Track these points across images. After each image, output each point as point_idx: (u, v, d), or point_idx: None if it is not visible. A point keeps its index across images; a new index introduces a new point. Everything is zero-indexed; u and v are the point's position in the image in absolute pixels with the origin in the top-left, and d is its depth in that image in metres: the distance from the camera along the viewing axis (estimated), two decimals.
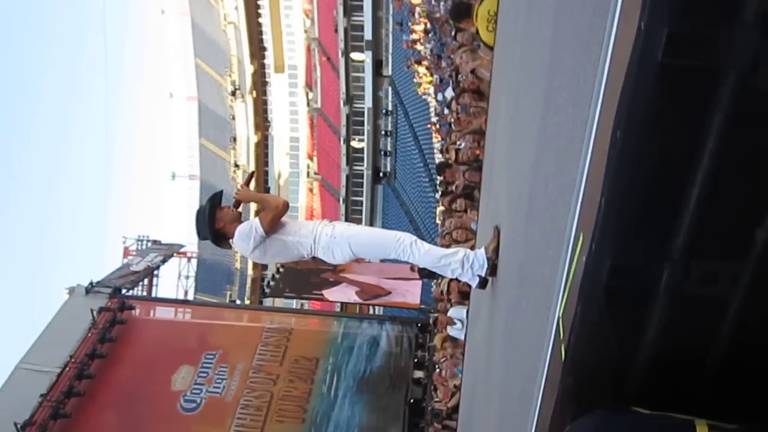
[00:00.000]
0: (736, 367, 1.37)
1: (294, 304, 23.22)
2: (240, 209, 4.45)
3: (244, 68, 44.65)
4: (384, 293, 16.39)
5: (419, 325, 15.12)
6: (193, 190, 44.89)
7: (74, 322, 14.68)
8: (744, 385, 1.40)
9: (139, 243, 23.81)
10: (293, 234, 4.20)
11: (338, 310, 21.52)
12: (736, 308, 1.28)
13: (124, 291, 16.35)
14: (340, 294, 17.19)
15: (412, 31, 20.49)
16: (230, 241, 4.31)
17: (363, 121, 30.57)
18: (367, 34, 28.15)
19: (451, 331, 8.85)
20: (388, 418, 13.53)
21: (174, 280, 25.83)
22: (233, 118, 45.51)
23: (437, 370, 10.61)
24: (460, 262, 4.09)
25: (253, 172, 5.14)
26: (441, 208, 11.32)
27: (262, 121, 45.28)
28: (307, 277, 17.07)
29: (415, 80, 21.22)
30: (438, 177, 11.70)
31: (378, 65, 28.59)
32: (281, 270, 17.99)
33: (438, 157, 16.63)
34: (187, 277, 26.65)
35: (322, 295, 17.42)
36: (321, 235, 4.17)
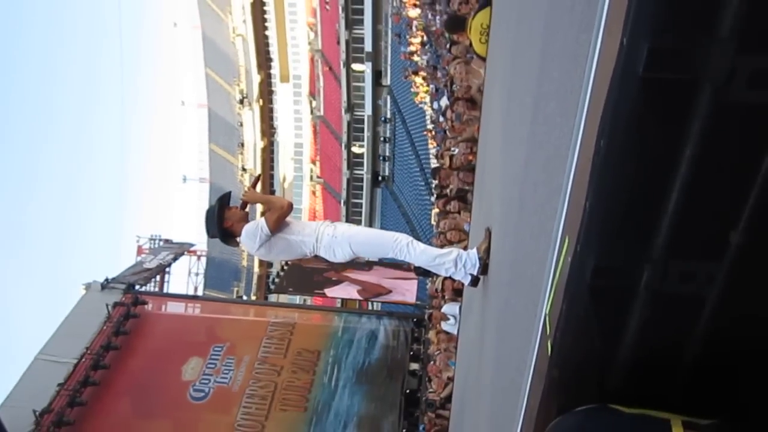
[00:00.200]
0: (711, 363, 1.37)
1: (297, 300, 23.21)
2: (247, 210, 4.46)
3: (251, 78, 44.62)
4: (385, 292, 16.35)
5: (415, 320, 15.13)
6: (203, 193, 44.79)
7: (90, 315, 14.66)
8: (718, 381, 1.40)
9: (152, 242, 23.81)
10: (297, 233, 4.20)
11: (339, 305, 21.50)
12: (712, 306, 1.28)
13: (137, 287, 16.33)
14: (342, 292, 17.14)
15: (410, 44, 20.49)
16: (237, 239, 4.32)
17: (363, 128, 30.57)
18: (368, 46, 28.18)
19: (445, 326, 8.86)
20: (385, 407, 13.53)
21: (184, 277, 25.84)
22: (241, 125, 45.48)
23: (432, 363, 10.60)
24: (454, 262, 4.09)
25: (259, 175, 5.14)
26: (436, 210, 11.33)
27: (268, 128, 45.25)
28: (311, 275, 17.02)
29: (412, 90, 21.23)
30: (433, 180, 11.71)
31: (377, 75, 28.60)
32: (285, 268, 17.95)
33: (433, 162, 16.62)
34: (197, 274, 26.65)
35: (324, 292, 17.38)
36: (323, 234, 4.17)
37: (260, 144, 44.63)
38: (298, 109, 44.04)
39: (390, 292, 16.28)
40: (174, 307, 16.86)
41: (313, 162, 42.27)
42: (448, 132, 9.19)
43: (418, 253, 4.12)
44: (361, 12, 28.36)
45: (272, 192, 40.32)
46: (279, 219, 4.12)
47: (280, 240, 4.18)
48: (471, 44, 6.16)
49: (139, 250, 23.59)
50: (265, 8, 43.36)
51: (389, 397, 13.67)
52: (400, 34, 23.44)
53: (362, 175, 31.44)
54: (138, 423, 13.32)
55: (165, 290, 19.30)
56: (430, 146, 19.60)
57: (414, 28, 19.94)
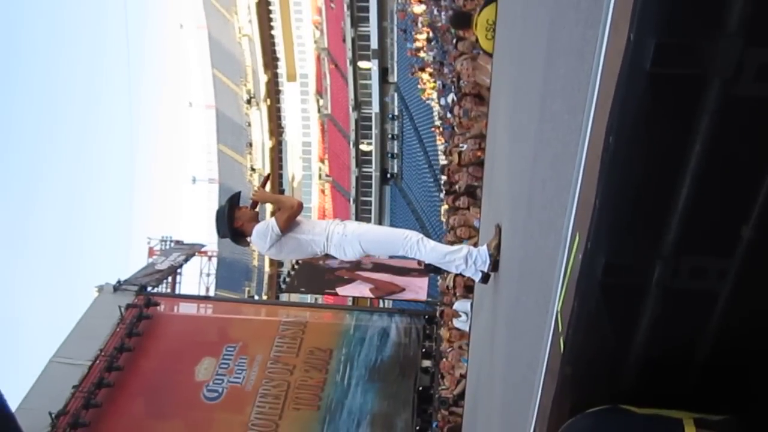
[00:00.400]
0: (723, 359, 1.36)
1: (309, 298, 23.26)
2: (257, 209, 4.47)
3: (258, 78, 44.69)
4: (398, 290, 16.31)
5: (426, 317, 15.12)
6: (212, 193, 44.93)
7: (103, 318, 14.77)
8: (730, 377, 1.40)
9: (163, 243, 23.94)
10: (307, 232, 4.21)
11: (350, 303, 21.53)
12: (723, 301, 1.27)
13: (149, 288, 16.42)
14: (354, 290, 17.13)
15: (416, 40, 20.47)
16: (248, 239, 4.33)
17: (371, 126, 30.55)
18: (374, 44, 28.15)
19: (457, 323, 8.85)
20: (398, 404, 13.54)
21: (196, 278, 25.95)
22: (249, 125, 45.57)
23: (444, 360, 10.60)
24: (464, 259, 4.09)
25: (269, 175, 5.14)
26: (445, 206, 11.32)
27: (276, 127, 45.32)
28: (322, 274, 17.04)
29: (419, 86, 21.22)
30: (442, 177, 11.69)
31: (384, 72, 28.58)
32: (296, 267, 17.99)
33: (442, 159, 16.60)
34: (208, 275, 26.76)
35: (335, 291, 17.38)
36: (333, 233, 4.18)
37: (268, 143, 44.71)
38: (305, 107, 44.09)
39: (403, 290, 16.25)
40: (186, 308, 16.94)
41: (322, 160, 42.32)
42: (456, 128, 9.17)
43: (428, 250, 4.12)
44: (367, 9, 28.34)
45: (282, 191, 40.39)
46: (289, 218, 4.13)
47: (290, 239, 4.19)
48: (477, 40, 6.14)
49: (151, 252, 23.73)
50: (270, 8, 43.41)
51: (402, 395, 13.68)
52: (405, 29, 23.41)
53: (371, 172, 31.43)
54: (152, 423, 13.41)
55: (177, 291, 19.40)
56: (438, 142, 19.59)
57: (420, 25, 19.91)
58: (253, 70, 44.98)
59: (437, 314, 13.92)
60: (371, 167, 31.22)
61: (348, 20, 29.53)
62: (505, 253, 3.72)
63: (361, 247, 4.17)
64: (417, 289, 16.19)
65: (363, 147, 31.84)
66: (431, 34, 18.19)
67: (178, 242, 23.16)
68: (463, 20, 6.85)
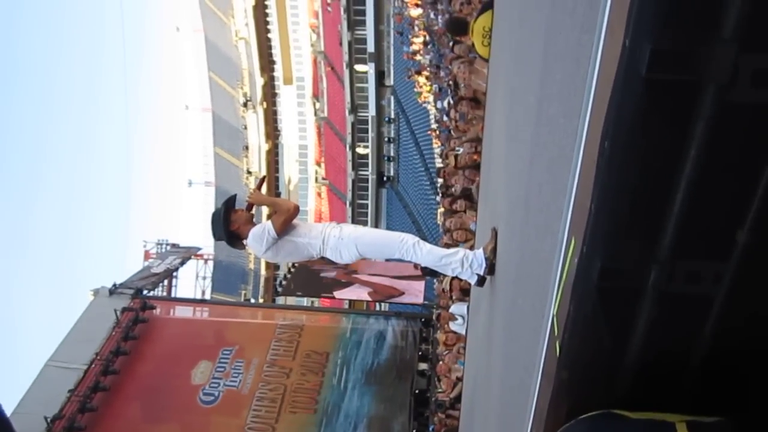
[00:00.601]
0: (718, 362, 1.37)
1: (305, 301, 23.22)
2: (252, 212, 4.46)
3: (254, 81, 44.72)
4: (398, 294, 16.23)
5: (423, 320, 15.10)
6: (208, 196, 44.93)
7: (99, 321, 14.70)
8: (725, 380, 1.40)
9: (159, 246, 23.89)
10: (303, 236, 4.21)
11: (346, 306, 21.51)
12: (719, 305, 1.28)
13: (145, 292, 16.36)
14: (352, 294, 17.03)
15: (412, 43, 20.48)
16: (244, 242, 4.32)
17: (367, 129, 30.61)
18: (370, 47, 28.22)
19: (453, 326, 8.86)
20: (394, 407, 13.52)
21: (192, 281, 25.94)
22: (245, 128, 45.57)
23: (440, 363, 10.60)
24: (460, 262, 4.09)
25: (264, 177, 5.15)
26: (442, 209, 11.31)
27: (272, 130, 45.34)
28: (319, 277, 16.99)
29: (415, 89, 21.22)
30: (439, 180, 11.70)
31: (380, 76, 28.65)
32: (292, 270, 17.95)
33: (438, 162, 16.61)
34: (204, 278, 26.75)
35: (333, 295, 17.34)
36: (329, 236, 4.18)
37: (265, 147, 44.72)
38: (302, 111, 44.13)
39: (403, 294, 16.18)
40: (182, 312, 16.89)
41: (318, 164, 42.32)
42: (452, 131, 9.18)
43: (424, 253, 4.12)
44: (363, 13, 28.41)
45: (278, 194, 40.40)
46: (286, 222, 4.13)
47: (286, 243, 4.19)
48: (473, 46, 6.14)
49: (147, 255, 23.66)
50: (267, 11, 43.46)
51: (398, 398, 13.65)
52: (402, 32, 23.44)
53: (367, 175, 31.47)
54: (148, 427, 13.36)
55: (173, 294, 19.35)
56: (435, 146, 19.58)
57: (416, 28, 19.93)
58: (249, 73, 45.00)
59: (434, 317, 13.90)
60: (368, 170, 31.26)
61: (345, 23, 29.59)
62: (502, 256, 3.72)
63: (357, 250, 4.17)
64: (417, 292, 16.14)
65: (359, 150, 31.88)
66: (428, 38, 18.20)
67: (174, 245, 23.12)
68: (459, 27, 6.86)
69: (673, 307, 1.30)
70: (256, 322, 16.17)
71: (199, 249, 23.84)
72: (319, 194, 42.55)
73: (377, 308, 20.37)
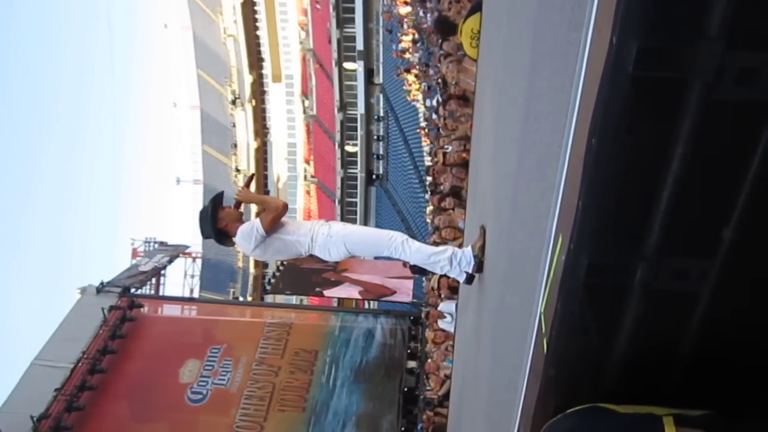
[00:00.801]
0: (704, 357, 1.38)
1: (294, 300, 23.18)
2: (241, 209, 4.44)
3: (243, 78, 44.55)
4: (389, 293, 16.21)
5: (412, 318, 15.13)
6: (197, 194, 44.71)
7: (86, 320, 14.60)
8: (711, 374, 1.41)
9: (147, 244, 23.74)
10: (292, 233, 4.19)
11: (335, 304, 21.49)
12: (705, 302, 1.29)
13: (133, 290, 16.27)
14: (342, 293, 17.00)
15: (401, 41, 20.46)
16: (232, 239, 4.30)
17: (356, 127, 30.55)
18: (359, 45, 28.16)
19: (442, 324, 8.87)
20: (383, 405, 13.53)
21: (180, 279, 25.81)
22: (234, 126, 45.40)
23: (429, 360, 10.61)
24: (449, 259, 4.10)
25: (252, 174, 5.12)
26: (431, 207, 11.33)
27: (261, 128, 45.18)
28: (308, 276, 16.94)
29: (404, 87, 21.19)
30: (428, 177, 11.70)
31: (369, 74, 28.60)
32: (281, 268, 17.90)
33: (427, 160, 16.61)
34: (193, 276, 26.63)
35: (322, 293, 17.29)
36: (318, 234, 4.17)
37: (253, 144, 44.57)
38: (290, 108, 43.97)
39: (394, 292, 16.16)
40: (170, 310, 16.82)
41: (307, 161, 42.21)
42: (441, 130, 9.19)
43: (413, 251, 4.13)
44: (352, 11, 28.34)
45: (267, 192, 40.24)
46: (274, 219, 4.12)
47: (275, 240, 4.17)
48: (462, 46, 6.15)
49: (134, 253, 23.50)
50: (255, 8, 43.27)
51: (387, 396, 13.67)
52: (391, 30, 23.41)
53: (356, 173, 31.42)
54: (136, 426, 13.29)
55: (161, 293, 19.25)
56: (424, 144, 19.58)
57: (405, 26, 19.91)
58: (238, 70, 44.83)
59: (422, 315, 13.93)
60: (357, 168, 31.22)
61: (334, 21, 29.51)
62: (490, 254, 3.73)
63: (345, 248, 4.17)
64: (408, 291, 16.13)
65: (348, 148, 31.82)
66: (417, 36, 18.19)
67: (162, 243, 22.96)
68: (447, 28, 6.88)
69: (660, 303, 1.31)
70: (245, 320, 16.13)
71: (187, 247, 23.73)
72: (308, 192, 42.46)
73: (366, 306, 20.35)
